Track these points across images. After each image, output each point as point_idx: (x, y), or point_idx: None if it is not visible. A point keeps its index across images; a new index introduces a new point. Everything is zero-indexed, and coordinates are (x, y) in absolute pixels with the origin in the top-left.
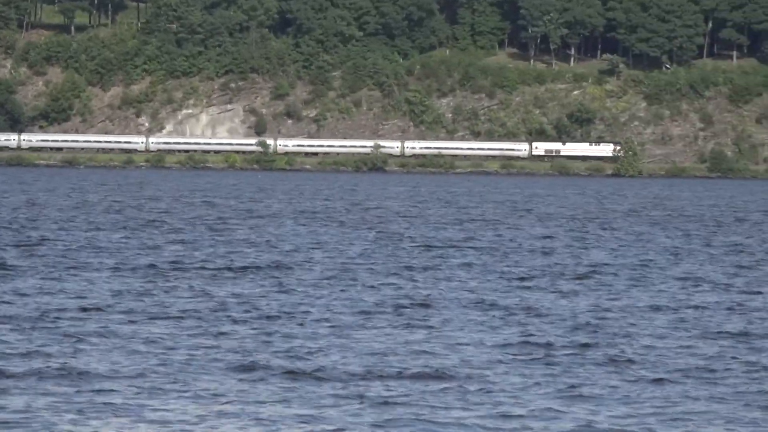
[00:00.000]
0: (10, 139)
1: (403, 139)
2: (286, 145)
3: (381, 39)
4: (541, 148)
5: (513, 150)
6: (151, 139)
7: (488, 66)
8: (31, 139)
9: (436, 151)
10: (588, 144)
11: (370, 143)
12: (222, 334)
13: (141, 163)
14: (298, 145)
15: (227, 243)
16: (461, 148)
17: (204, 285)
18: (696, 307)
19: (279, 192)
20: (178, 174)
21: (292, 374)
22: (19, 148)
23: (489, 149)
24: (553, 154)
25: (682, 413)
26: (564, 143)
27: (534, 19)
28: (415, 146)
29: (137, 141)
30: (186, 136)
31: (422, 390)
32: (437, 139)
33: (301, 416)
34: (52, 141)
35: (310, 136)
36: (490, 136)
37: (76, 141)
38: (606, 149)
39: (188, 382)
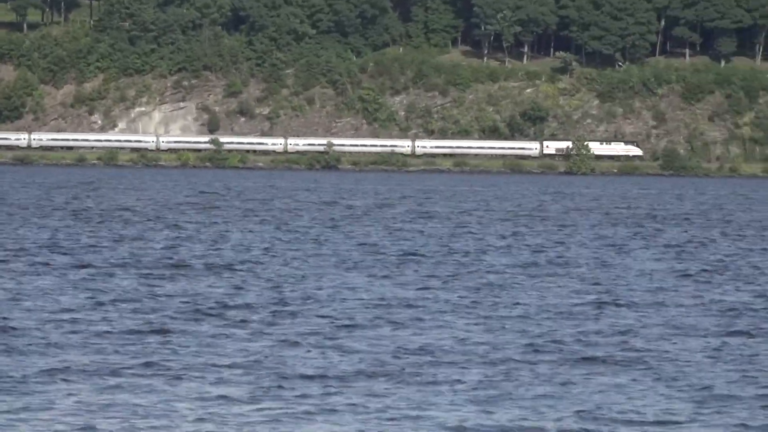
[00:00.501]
0: (21, 138)
1: (414, 137)
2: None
3: (334, 37)
4: (552, 147)
5: (524, 149)
6: (162, 138)
7: (441, 64)
8: (42, 138)
9: (448, 150)
10: (599, 143)
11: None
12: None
13: (93, 161)
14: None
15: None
16: (472, 147)
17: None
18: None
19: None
20: (142, 173)
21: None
22: (29, 147)
23: (500, 148)
24: (563, 153)
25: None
26: (573, 142)
27: (487, 16)
28: (426, 145)
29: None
30: (139, 133)
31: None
32: (390, 137)
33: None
34: (62, 140)
35: (263, 134)
36: (443, 134)
37: (87, 140)
38: (617, 148)
39: (155, 382)
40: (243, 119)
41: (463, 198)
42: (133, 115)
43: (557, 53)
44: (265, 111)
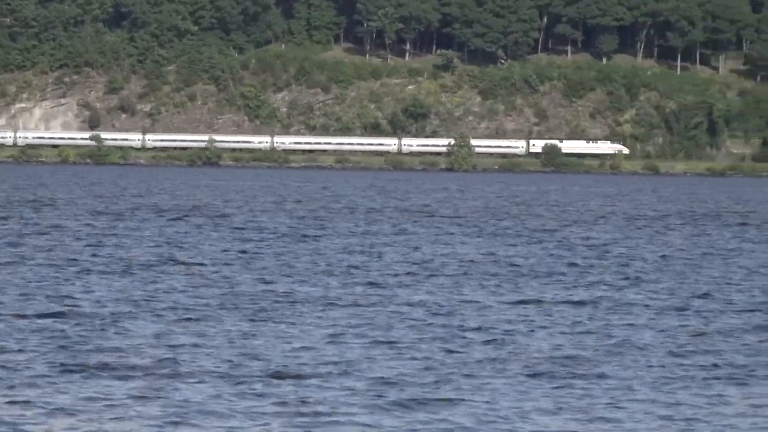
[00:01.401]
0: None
1: (400, 136)
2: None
3: (216, 33)
4: (538, 145)
5: (510, 147)
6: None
7: (324, 61)
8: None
9: (433, 149)
10: (585, 142)
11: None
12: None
13: None
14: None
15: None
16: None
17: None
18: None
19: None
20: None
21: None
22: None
23: (487, 146)
24: (547, 150)
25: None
26: (561, 141)
27: (369, 13)
28: (412, 143)
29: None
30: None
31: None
32: (272, 133)
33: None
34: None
35: (145, 131)
36: (325, 131)
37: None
38: (602, 147)
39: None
40: (124, 116)
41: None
42: (13, 111)
43: (439, 50)
44: (147, 108)
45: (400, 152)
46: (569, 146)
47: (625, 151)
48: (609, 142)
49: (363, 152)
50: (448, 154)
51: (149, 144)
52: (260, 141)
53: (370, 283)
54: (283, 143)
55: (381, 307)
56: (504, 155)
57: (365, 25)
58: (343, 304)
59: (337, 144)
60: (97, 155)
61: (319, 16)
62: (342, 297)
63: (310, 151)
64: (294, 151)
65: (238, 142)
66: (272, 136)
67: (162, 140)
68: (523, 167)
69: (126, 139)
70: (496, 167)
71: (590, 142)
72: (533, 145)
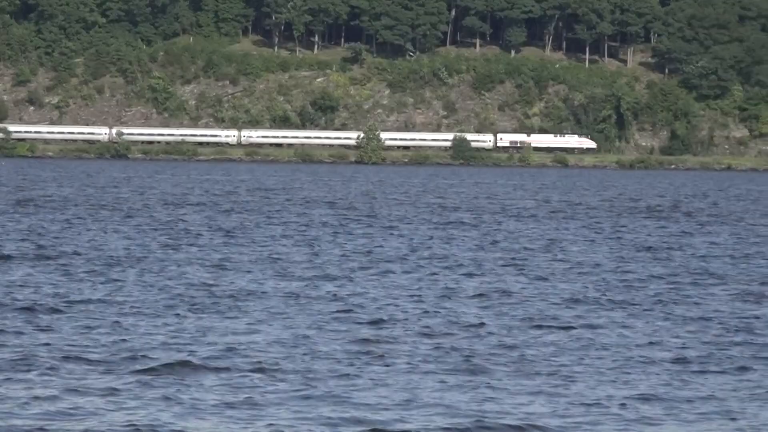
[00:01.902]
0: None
1: (240, 127)
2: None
3: (124, 25)
4: (506, 139)
5: (478, 141)
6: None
7: (232, 53)
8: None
9: (411, 143)
10: (553, 136)
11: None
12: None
13: None
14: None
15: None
16: (426, 140)
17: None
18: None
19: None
20: None
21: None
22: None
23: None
24: (518, 145)
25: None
26: (529, 135)
27: (278, 6)
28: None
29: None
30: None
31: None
32: (181, 126)
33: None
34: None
35: (53, 123)
36: (234, 123)
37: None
38: (570, 140)
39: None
40: (32, 108)
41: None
42: None
43: (348, 43)
44: (54, 100)
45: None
46: (537, 140)
47: (593, 145)
48: (577, 136)
49: (271, 145)
50: (356, 146)
51: (58, 137)
52: (227, 135)
53: (298, 277)
54: (250, 137)
55: (296, 301)
56: (477, 149)
57: (273, 17)
58: (263, 297)
59: (304, 138)
60: (5, 148)
61: (227, 9)
62: (264, 290)
63: (279, 145)
64: (261, 145)
65: (204, 135)
66: (239, 129)
67: (70, 132)
68: (432, 160)
69: (37, 132)
70: (406, 160)
71: (558, 136)
72: (500, 139)
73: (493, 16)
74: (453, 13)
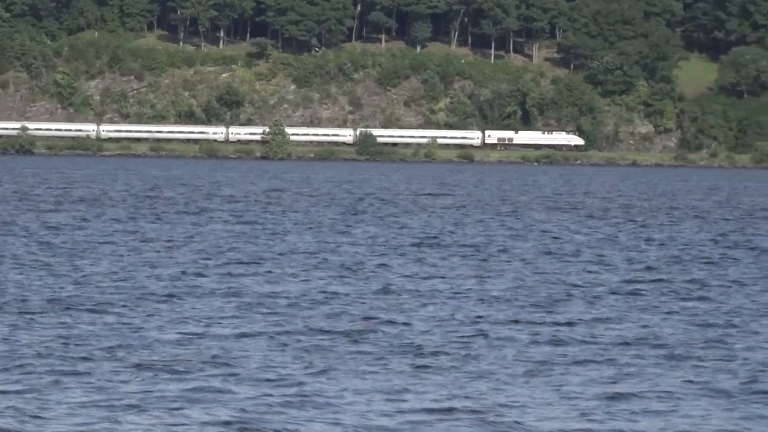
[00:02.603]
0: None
1: (355, 127)
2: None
3: (28, 20)
4: (494, 136)
5: (466, 138)
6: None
7: (137, 48)
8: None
9: (389, 140)
10: (541, 132)
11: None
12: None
13: None
14: None
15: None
16: (414, 137)
17: None
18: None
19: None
20: None
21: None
22: None
23: (443, 137)
24: (506, 142)
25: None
26: (516, 131)
27: (183, 1)
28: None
29: None
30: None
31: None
32: (85, 121)
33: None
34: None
35: None
36: (139, 119)
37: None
38: (558, 137)
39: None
40: None
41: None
42: None
43: (253, 38)
44: None
45: (227, 140)
46: (524, 137)
47: (580, 142)
48: (564, 133)
49: (178, 140)
50: (263, 142)
51: None
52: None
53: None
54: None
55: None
56: (461, 146)
57: (179, 12)
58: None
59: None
60: None
61: (132, 3)
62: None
63: (156, 140)
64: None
65: (184, 132)
66: (214, 126)
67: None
68: (338, 155)
69: None
70: (312, 155)
71: (545, 133)
72: (489, 136)
73: (398, 11)
74: (359, 8)
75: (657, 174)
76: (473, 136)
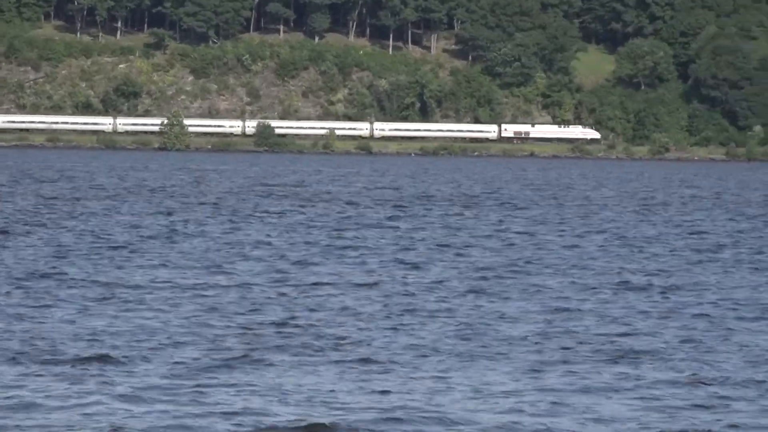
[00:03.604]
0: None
1: (371, 120)
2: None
3: None
4: (510, 130)
5: (482, 132)
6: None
7: (34, 38)
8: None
9: (406, 133)
10: (557, 126)
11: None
12: None
13: None
14: None
15: None
16: (431, 130)
17: None
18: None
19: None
20: None
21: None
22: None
23: (458, 131)
24: (522, 136)
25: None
26: (533, 125)
27: None
28: (384, 128)
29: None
30: None
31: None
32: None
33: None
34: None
35: None
36: (35, 110)
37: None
38: (575, 131)
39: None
40: None
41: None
42: None
43: (151, 29)
44: None
45: (115, 131)
46: (541, 131)
47: (597, 135)
48: (581, 127)
49: (76, 131)
50: (160, 133)
51: None
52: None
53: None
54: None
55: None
56: (476, 139)
57: (76, 2)
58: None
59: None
60: None
61: None
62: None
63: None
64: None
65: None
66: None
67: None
68: (237, 146)
69: None
70: (210, 147)
71: (562, 126)
72: (505, 129)
73: (296, 2)
74: None
75: (555, 165)
76: (489, 130)
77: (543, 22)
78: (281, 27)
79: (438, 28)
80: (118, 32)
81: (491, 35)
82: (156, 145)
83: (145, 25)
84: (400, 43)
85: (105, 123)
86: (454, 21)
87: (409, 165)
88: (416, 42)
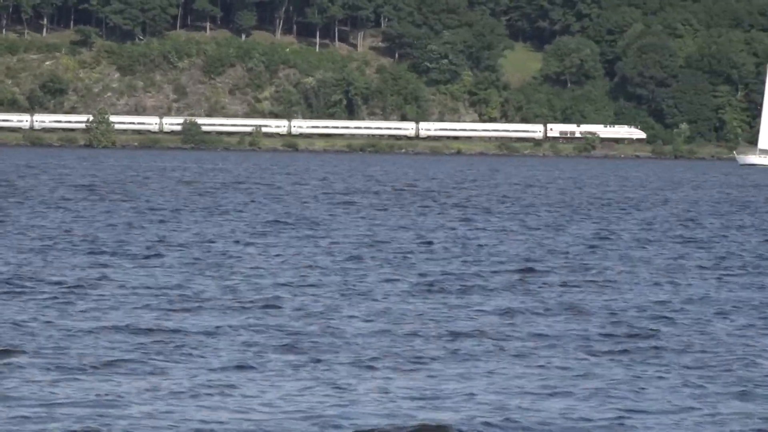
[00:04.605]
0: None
1: (418, 120)
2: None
3: None
4: (556, 130)
5: (528, 132)
6: None
7: None
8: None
9: (451, 133)
10: (603, 126)
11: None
12: None
13: None
14: None
15: None
16: (476, 130)
17: None
18: None
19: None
20: None
21: None
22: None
23: (504, 131)
24: (568, 135)
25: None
26: (578, 125)
27: None
28: (430, 128)
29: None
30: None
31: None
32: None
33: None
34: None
35: None
36: None
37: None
38: (621, 131)
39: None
40: None
41: None
42: None
43: (77, 26)
44: None
45: (32, 128)
46: (587, 130)
47: (642, 135)
48: (627, 126)
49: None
50: (87, 130)
51: None
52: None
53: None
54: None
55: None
56: (523, 139)
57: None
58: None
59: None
60: None
61: None
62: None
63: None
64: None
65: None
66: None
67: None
68: (162, 143)
69: None
70: (136, 144)
71: (608, 126)
72: (551, 129)
73: (223, 0)
74: None
75: (484, 162)
76: (535, 130)
77: (470, 20)
78: (208, 24)
79: (365, 26)
80: (44, 29)
81: (418, 33)
82: (81, 142)
83: (72, 23)
84: (327, 41)
85: (23, 120)
86: (381, 18)
87: (346, 163)
88: (343, 39)
